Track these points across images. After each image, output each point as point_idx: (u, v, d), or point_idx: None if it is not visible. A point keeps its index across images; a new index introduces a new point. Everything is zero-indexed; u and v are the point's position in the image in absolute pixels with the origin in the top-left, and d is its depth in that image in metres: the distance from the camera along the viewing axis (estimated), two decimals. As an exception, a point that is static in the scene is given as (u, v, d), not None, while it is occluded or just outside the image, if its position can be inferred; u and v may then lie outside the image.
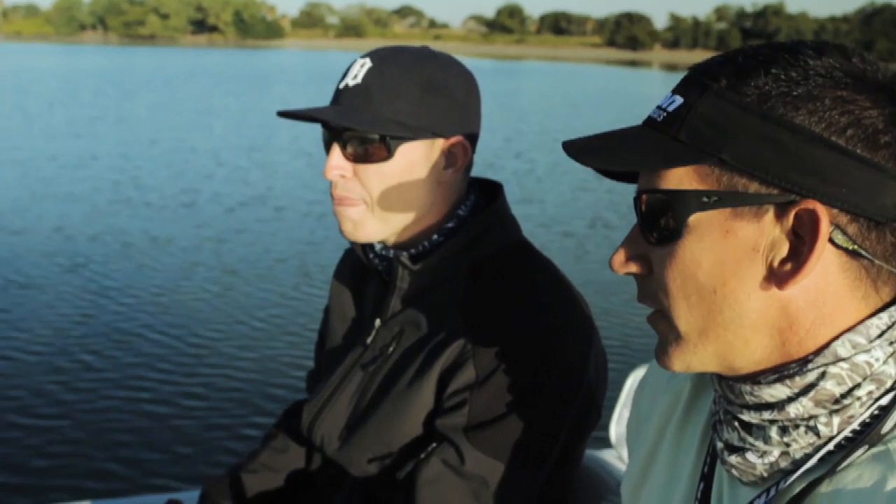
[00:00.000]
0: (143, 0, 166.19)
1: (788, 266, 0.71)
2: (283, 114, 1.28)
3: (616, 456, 1.88)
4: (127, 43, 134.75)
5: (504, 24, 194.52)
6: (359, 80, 1.26)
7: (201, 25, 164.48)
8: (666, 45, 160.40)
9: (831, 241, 0.70)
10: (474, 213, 1.36)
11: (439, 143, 1.29)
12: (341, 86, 1.29)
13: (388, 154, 1.25)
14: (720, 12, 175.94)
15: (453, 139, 1.30)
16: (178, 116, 20.69)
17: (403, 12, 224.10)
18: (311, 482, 1.61)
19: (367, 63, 1.28)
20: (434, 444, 1.25)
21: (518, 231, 1.39)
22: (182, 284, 6.84)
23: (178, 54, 77.59)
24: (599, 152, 0.79)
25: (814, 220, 0.69)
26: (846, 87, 0.70)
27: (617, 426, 2.11)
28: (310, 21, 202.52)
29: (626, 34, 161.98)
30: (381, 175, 1.27)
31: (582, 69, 72.14)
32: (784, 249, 0.71)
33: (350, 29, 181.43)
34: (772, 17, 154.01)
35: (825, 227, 0.68)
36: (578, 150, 0.80)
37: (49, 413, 4.42)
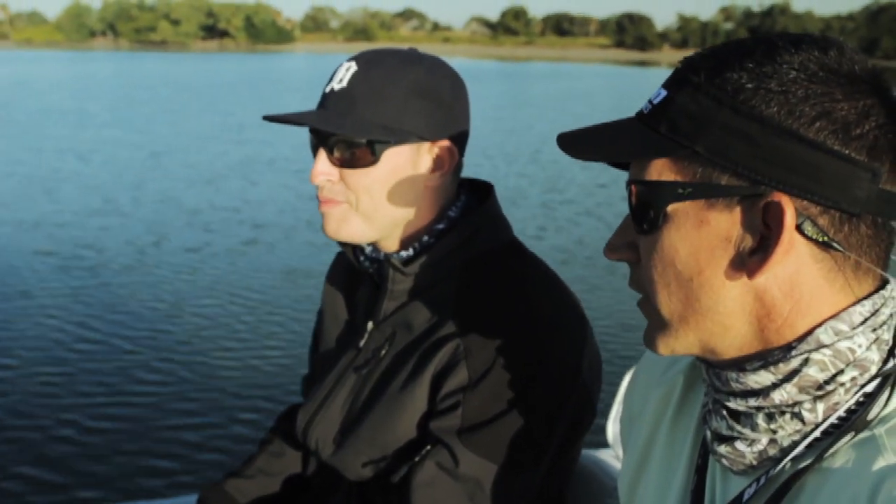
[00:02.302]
0: (154, 6, 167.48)
1: (756, 256, 0.72)
2: (270, 118, 1.28)
3: (613, 455, 1.89)
4: (137, 49, 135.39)
5: (509, 26, 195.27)
6: (344, 84, 1.26)
7: (212, 31, 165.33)
8: (674, 46, 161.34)
9: (802, 232, 0.71)
10: (465, 213, 1.36)
11: (426, 147, 1.30)
12: (327, 90, 1.29)
13: (374, 159, 1.26)
14: (727, 12, 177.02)
15: (440, 142, 1.30)
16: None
17: (406, 15, 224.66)
18: (307, 486, 1.60)
19: (353, 67, 1.28)
20: (428, 447, 1.25)
21: (509, 231, 1.39)
22: (177, 288, 6.80)
23: (191, 60, 78.30)
24: (586, 144, 0.82)
25: (779, 211, 0.70)
26: (820, 81, 0.70)
27: (614, 425, 2.15)
28: (314, 25, 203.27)
29: (635, 35, 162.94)
30: (368, 179, 1.27)
31: (593, 70, 72.47)
32: (753, 240, 0.73)
33: (359, 33, 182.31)
34: (779, 16, 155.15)
35: (790, 219, 0.70)
36: (567, 142, 0.83)
37: (42, 418, 4.36)
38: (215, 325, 5.97)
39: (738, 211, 0.73)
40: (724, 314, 0.76)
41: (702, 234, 0.74)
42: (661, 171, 0.76)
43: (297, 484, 1.61)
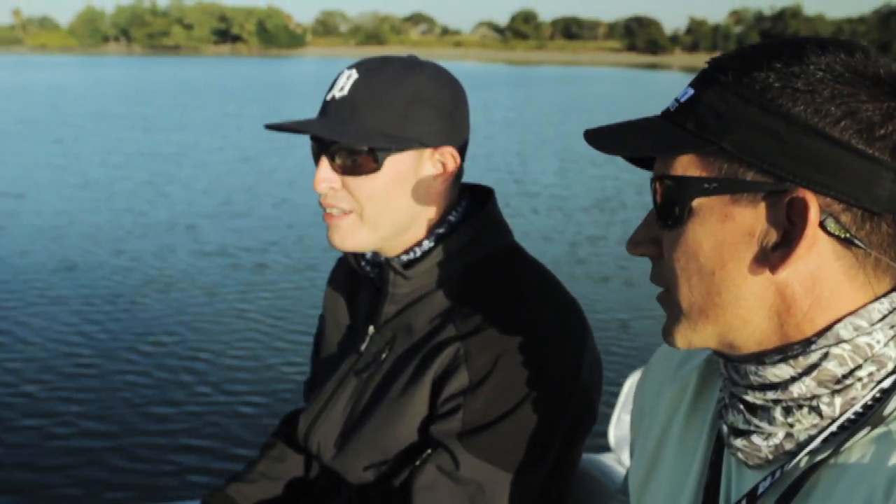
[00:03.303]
0: (167, 11, 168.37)
1: (780, 251, 0.74)
2: (271, 126, 1.28)
3: (615, 459, 1.88)
4: (150, 53, 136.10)
5: (518, 30, 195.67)
6: (345, 91, 1.27)
7: (224, 35, 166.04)
8: (685, 49, 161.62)
9: (824, 228, 0.72)
10: (465, 218, 1.37)
11: (427, 153, 1.30)
12: (328, 97, 1.29)
13: (377, 166, 1.26)
14: (738, 15, 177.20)
15: (441, 148, 1.31)
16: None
17: (415, 19, 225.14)
18: (309, 490, 1.61)
19: (354, 75, 1.28)
20: (429, 451, 1.26)
21: (509, 236, 1.40)
22: (179, 294, 6.80)
23: (208, 64, 79.17)
24: (613, 140, 0.84)
25: (803, 207, 0.71)
26: (845, 82, 0.72)
27: (615, 429, 2.14)
28: (324, 30, 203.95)
29: (646, 38, 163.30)
30: (370, 186, 1.28)
31: (608, 73, 72.72)
32: (777, 235, 0.74)
33: (371, 37, 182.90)
34: (790, 19, 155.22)
35: (814, 215, 0.71)
36: (596, 138, 0.85)
37: (44, 424, 4.37)
38: (216, 330, 5.96)
39: (762, 206, 0.74)
40: (745, 308, 0.77)
41: (726, 228, 0.76)
42: (686, 166, 0.78)
43: (299, 488, 1.62)
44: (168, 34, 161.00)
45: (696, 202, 0.77)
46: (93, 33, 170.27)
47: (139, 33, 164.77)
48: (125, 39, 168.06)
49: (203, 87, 40.09)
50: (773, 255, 0.74)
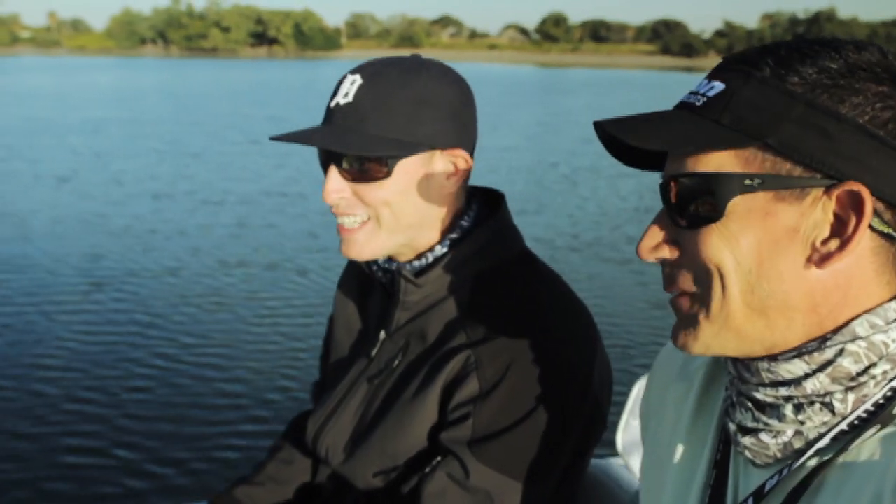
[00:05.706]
0: (204, 14, 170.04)
1: (832, 245, 0.73)
2: (277, 138, 1.23)
3: (623, 464, 1.90)
4: (188, 56, 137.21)
5: (548, 33, 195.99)
6: (350, 98, 1.24)
7: (261, 38, 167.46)
8: (719, 52, 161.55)
9: (869, 224, 0.72)
10: (477, 223, 1.35)
11: (437, 155, 1.27)
12: (332, 104, 1.26)
13: (388, 171, 1.24)
14: (772, 18, 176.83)
15: (451, 149, 1.28)
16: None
17: (444, 22, 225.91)
18: (317, 494, 1.60)
19: (358, 80, 1.24)
20: (439, 458, 1.25)
21: (520, 241, 1.39)
22: (184, 297, 6.82)
23: (251, 67, 79.54)
24: (637, 131, 0.79)
25: (858, 201, 0.71)
26: (886, 83, 0.73)
27: (623, 434, 2.15)
28: (355, 32, 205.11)
29: (680, 41, 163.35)
30: (383, 192, 1.25)
31: (642, 76, 72.76)
32: (826, 230, 0.73)
33: (405, 39, 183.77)
34: (825, 22, 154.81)
35: (869, 207, 0.71)
36: (615, 127, 0.80)
37: (51, 425, 4.40)
38: (223, 333, 5.99)
39: (808, 202, 0.73)
40: (774, 308, 0.76)
41: (767, 225, 0.74)
42: (721, 162, 0.76)
43: (306, 491, 1.62)
44: (206, 37, 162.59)
45: (734, 199, 0.75)
46: (130, 35, 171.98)
47: (176, 36, 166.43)
48: (162, 42, 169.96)
49: (281, 87, 40.59)
50: (822, 250, 0.74)
